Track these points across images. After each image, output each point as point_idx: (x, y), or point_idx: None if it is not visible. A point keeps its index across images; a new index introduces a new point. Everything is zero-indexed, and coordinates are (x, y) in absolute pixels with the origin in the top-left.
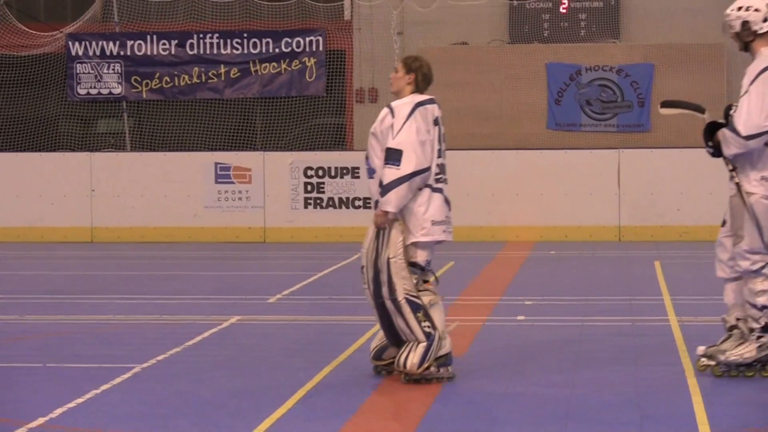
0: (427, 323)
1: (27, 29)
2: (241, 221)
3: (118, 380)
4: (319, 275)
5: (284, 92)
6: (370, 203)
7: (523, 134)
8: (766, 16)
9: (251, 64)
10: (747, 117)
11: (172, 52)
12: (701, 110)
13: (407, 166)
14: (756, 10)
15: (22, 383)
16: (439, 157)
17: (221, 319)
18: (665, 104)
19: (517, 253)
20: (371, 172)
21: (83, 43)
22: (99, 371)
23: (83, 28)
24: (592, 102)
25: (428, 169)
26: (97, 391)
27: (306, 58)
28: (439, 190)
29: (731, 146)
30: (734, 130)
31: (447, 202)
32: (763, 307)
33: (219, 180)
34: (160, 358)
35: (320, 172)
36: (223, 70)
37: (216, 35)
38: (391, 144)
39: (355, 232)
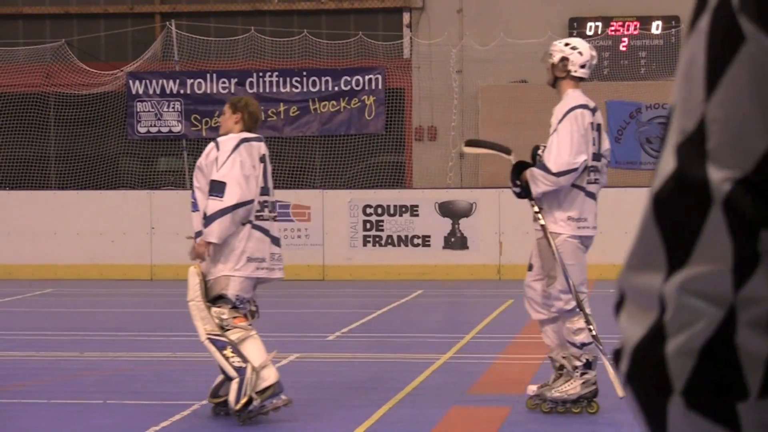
0: (236, 358)
1: (88, 68)
2: (300, 259)
3: (177, 417)
4: (378, 313)
5: (343, 130)
6: (429, 241)
7: None
8: (585, 63)
9: (310, 103)
10: (557, 154)
11: (232, 91)
12: (507, 151)
13: (230, 197)
14: (580, 53)
15: (83, 419)
16: (265, 194)
17: (280, 356)
18: (470, 143)
19: None
20: (195, 205)
21: (143, 81)
22: (159, 408)
23: (143, 67)
24: (653, 140)
25: (251, 201)
26: (157, 428)
27: (365, 97)
28: (260, 228)
29: (540, 184)
30: (544, 168)
31: (274, 240)
32: (583, 345)
33: (279, 218)
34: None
35: (379, 210)
36: (282, 108)
37: (275, 73)
38: (216, 176)
39: (414, 270)
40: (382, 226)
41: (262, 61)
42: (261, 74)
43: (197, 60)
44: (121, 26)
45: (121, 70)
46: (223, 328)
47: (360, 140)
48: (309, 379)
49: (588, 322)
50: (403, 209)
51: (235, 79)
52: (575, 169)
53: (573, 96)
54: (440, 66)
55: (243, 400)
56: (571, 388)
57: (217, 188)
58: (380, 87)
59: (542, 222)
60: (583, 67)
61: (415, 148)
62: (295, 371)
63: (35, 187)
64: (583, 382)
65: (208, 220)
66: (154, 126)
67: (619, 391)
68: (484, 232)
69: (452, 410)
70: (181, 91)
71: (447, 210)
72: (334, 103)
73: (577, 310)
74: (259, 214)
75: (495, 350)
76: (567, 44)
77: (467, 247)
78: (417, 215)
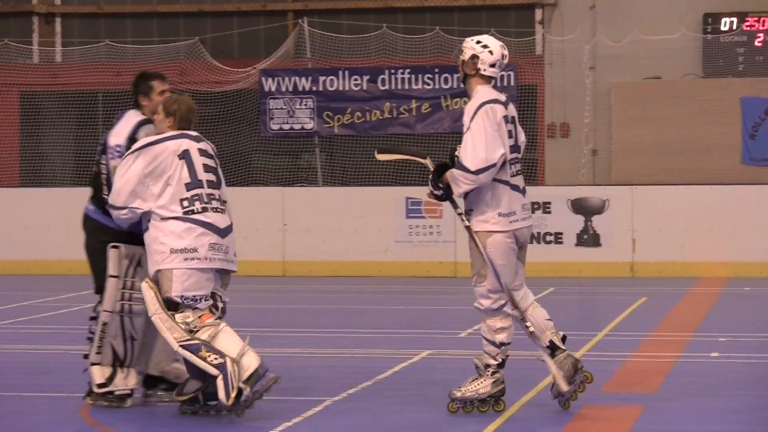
0: (214, 356)
1: (221, 66)
2: (432, 256)
3: (309, 413)
4: None
5: None
6: (561, 238)
7: (715, 169)
8: (495, 62)
9: (442, 99)
10: (473, 152)
11: (364, 88)
12: (421, 156)
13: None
14: (490, 52)
15: (215, 416)
16: (198, 187)
17: (412, 353)
18: (382, 150)
19: (710, 289)
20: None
21: (276, 78)
22: (290, 404)
23: (276, 64)
24: None
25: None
26: (289, 424)
27: None
28: (197, 221)
29: (461, 184)
30: (462, 167)
31: (216, 229)
32: (502, 344)
33: (410, 215)
34: (351, 391)
35: None
36: (414, 105)
37: (407, 71)
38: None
39: (546, 267)
40: None
41: (394, 59)
42: (393, 71)
43: (329, 57)
44: (254, 24)
45: (254, 68)
46: (192, 332)
47: None
48: (440, 375)
49: (524, 319)
50: (536, 206)
51: (367, 76)
52: (494, 165)
53: (482, 92)
54: (573, 62)
55: (233, 394)
56: (482, 386)
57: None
58: (512, 84)
59: (467, 223)
60: (493, 66)
61: (548, 145)
62: (426, 368)
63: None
64: (494, 381)
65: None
66: (287, 123)
67: (563, 385)
68: (616, 229)
69: (584, 408)
70: (314, 88)
71: (579, 207)
72: (466, 99)
73: (503, 309)
74: (188, 208)
75: (628, 348)
76: (479, 42)
77: (600, 245)
78: (549, 212)
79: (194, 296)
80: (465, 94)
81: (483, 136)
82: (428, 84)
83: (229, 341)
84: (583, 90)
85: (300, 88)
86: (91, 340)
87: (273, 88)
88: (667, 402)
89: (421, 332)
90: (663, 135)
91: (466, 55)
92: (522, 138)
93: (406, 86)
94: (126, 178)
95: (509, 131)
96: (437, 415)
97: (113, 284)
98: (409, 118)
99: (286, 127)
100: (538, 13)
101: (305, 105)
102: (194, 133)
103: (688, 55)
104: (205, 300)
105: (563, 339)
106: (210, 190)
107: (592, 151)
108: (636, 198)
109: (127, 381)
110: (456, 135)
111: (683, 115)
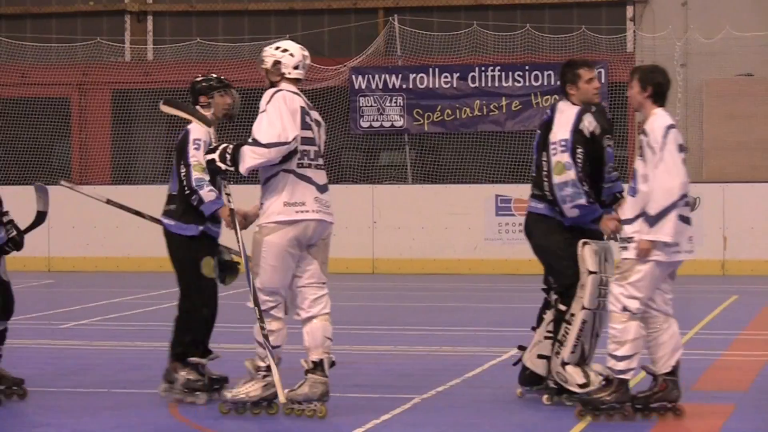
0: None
1: (312, 63)
2: (522, 253)
3: (398, 411)
4: None
5: None
6: None
7: None
8: (298, 64)
9: (533, 97)
10: (268, 127)
11: (454, 85)
12: (207, 123)
13: None
14: (291, 55)
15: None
16: None
17: (501, 351)
18: (167, 102)
19: None
20: None
21: (366, 76)
22: (379, 401)
23: (366, 62)
24: None
25: None
26: (378, 421)
27: None
28: None
29: (248, 158)
30: (254, 141)
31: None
32: (274, 347)
33: (500, 212)
34: (440, 389)
35: None
36: (504, 102)
37: (498, 68)
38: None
39: None
40: None
41: (484, 56)
42: (483, 69)
43: (420, 54)
44: (345, 22)
45: (345, 65)
46: None
47: None
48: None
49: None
50: None
51: (457, 74)
52: (287, 143)
53: (284, 87)
54: (664, 59)
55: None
56: (253, 390)
57: None
58: (603, 81)
59: (238, 221)
60: (296, 68)
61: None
62: (517, 366)
63: (257, 182)
64: (265, 385)
65: None
66: (377, 120)
67: (282, 396)
68: (707, 227)
69: (677, 406)
70: (404, 86)
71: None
72: (557, 97)
73: (272, 312)
74: None
75: (719, 347)
76: (278, 48)
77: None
78: None
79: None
80: (556, 92)
81: (279, 115)
82: (518, 81)
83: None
84: (674, 87)
85: (390, 86)
86: (552, 339)
87: (363, 86)
88: (758, 401)
89: (511, 330)
90: (755, 132)
91: (268, 63)
92: (323, 138)
93: (497, 84)
94: None
95: (308, 124)
96: (527, 413)
97: (593, 281)
98: (499, 115)
99: (376, 124)
100: (630, 10)
101: (395, 102)
102: None
103: None
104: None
105: (332, 364)
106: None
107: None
108: (727, 196)
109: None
110: None
111: None
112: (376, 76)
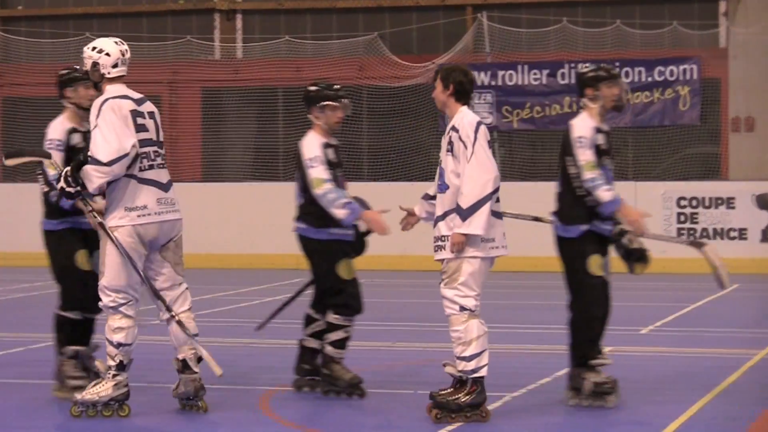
0: None
1: (400, 60)
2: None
3: (488, 408)
4: (692, 307)
5: (657, 121)
6: (746, 234)
7: None
8: (116, 62)
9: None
10: (105, 144)
11: (544, 82)
12: (46, 156)
13: None
14: (107, 54)
15: (391, 410)
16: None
17: None
18: (9, 156)
19: None
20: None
21: None
22: None
23: (455, 59)
24: None
25: None
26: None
27: (680, 87)
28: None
29: (94, 179)
30: (95, 161)
31: None
32: (120, 345)
33: None
34: (530, 387)
35: (694, 203)
36: None
37: (587, 65)
38: None
39: (730, 264)
40: (696, 218)
41: (574, 53)
42: (573, 65)
43: (508, 51)
44: (433, 19)
45: (433, 62)
46: None
47: (674, 131)
48: (621, 372)
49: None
50: (719, 201)
51: (547, 71)
52: (126, 155)
53: (109, 90)
54: (758, 55)
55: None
56: (103, 390)
57: None
58: (695, 77)
59: (99, 220)
60: (115, 66)
61: (732, 139)
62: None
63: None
64: (115, 384)
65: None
66: None
67: (217, 370)
68: None
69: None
70: (492, 83)
71: (765, 202)
72: (648, 93)
73: (121, 309)
74: None
75: None
76: (94, 48)
77: None
78: (733, 207)
79: None
80: (647, 88)
81: (112, 129)
82: None
83: None
84: None
85: (479, 83)
86: None
87: None
88: None
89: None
90: None
91: (88, 65)
92: (159, 122)
93: None
94: None
95: (142, 125)
96: (619, 412)
97: None
98: None
99: None
100: (722, 6)
101: (484, 99)
102: None
103: None
104: None
105: (199, 360)
106: None
107: None
108: None
109: None
110: (636, 129)
111: None
112: None
